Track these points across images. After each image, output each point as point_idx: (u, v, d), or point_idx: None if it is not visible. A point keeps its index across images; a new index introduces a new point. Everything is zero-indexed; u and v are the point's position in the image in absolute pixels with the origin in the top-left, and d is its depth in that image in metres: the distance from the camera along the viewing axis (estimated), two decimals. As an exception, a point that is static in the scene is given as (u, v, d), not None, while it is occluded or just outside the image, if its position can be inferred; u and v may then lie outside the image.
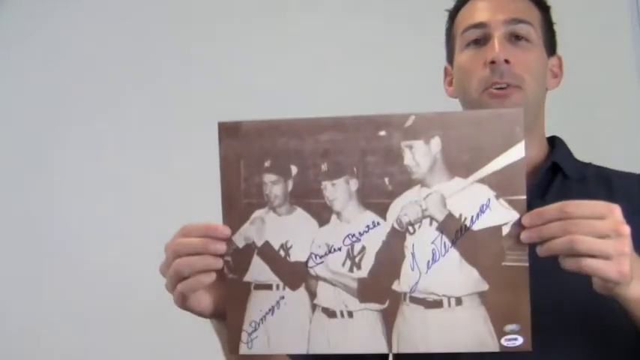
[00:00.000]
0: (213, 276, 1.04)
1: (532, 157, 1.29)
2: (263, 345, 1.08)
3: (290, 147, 1.05)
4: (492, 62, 1.27)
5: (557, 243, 0.98)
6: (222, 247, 1.05)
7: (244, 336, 1.08)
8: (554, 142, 1.39)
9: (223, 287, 1.08)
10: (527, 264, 1.03)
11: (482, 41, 1.33)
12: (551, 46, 1.40)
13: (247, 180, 1.06)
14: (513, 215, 1.03)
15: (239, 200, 1.07)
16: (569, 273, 1.00)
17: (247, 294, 1.08)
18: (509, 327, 1.04)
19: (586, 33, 2.13)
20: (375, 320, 1.06)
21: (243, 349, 1.08)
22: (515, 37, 1.32)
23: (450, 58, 1.43)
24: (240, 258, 1.07)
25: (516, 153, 1.02)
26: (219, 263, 1.05)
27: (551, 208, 1.00)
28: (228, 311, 1.08)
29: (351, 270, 1.06)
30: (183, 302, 1.06)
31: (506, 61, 1.27)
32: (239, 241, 1.07)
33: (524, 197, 1.03)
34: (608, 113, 2.16)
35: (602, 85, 2.18)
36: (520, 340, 1.04)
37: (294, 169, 1.05)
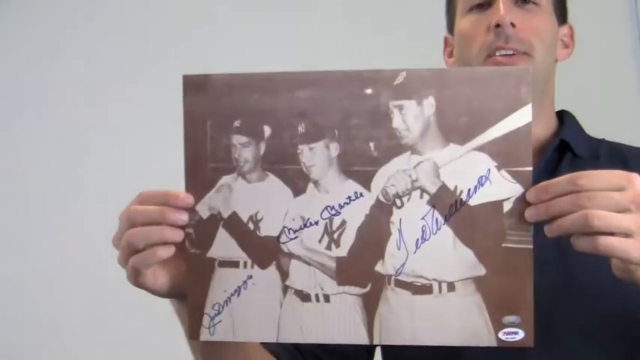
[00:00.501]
0: (171, 249, 0.92)
1: (539, 134, 1.15)
2: (227, 331, 0.95)
3: (263, 105, 0.92)
4: (497, 26, 1.14)
5: (568, 220, 0.85)
6: (183, 217, 0.92)
7: (206, 320, 0.95)
8: (562, 117, 1.25)
9: (183, 263, 0.95)
10: (531, 246, 0.89)
11: (485, 5, 1.19)
12: (561, 14, 1.25)
13: (214, 141, 0.94)
14: (517, 189, 0.89)
15: (204, 164, 0.94)
16: (581, 263, 0.87)
17: (211, 272, 0.95)
18: (508, 319, 0.90)
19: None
20: (355, 306, 0.93)
21: (205, 335, 0.95)
22: (522, 0, 1.18)
23: (451, 26, 1.29)
24: (203, 230, 0.94)
25: (522, 117, 0.89)
26: (179, 235, 0.92)
27: (561, 180, 0.86)
28: (188, 291, 0.95)
29: (328, 247, 0.92)
30: (136, 278, 0.93)
31: (513, 25, 1.14)
32: (203, 210, 0.94)
33: (530, 169, 0.89)
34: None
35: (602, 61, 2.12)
36: (520, 335, 0.90)
37: (267, 131, 0.92)
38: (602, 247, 0.84)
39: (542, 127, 1.18)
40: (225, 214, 0.94)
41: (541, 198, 0.87)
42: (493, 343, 0.90)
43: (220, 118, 0.93)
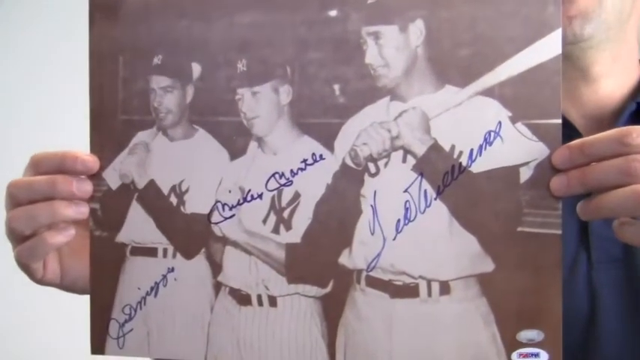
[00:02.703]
0: (68, 233, 0.68)
1: (610, 94, 0.83)
2: (140, 344, 0.70)
3: (192, 34, 0.68)
4: None
5: (612, 197, 0.58)
6: (84, 187, 0.68)
7: (113, 327, 0.70)
8: None
9: (86, 249, 0.70)
10: (559, 231, 0.62)
11: None
12: None
13: (127, 85, 0.69)
14: (540, 150, 0.62)
15: (114, 117, 0.70)
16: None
17: (120, 262, 0.70)
18: (525, 334, 0.63)
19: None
20: (311, 313, 0.67)
21: (112, 349, 0.70)
22: None
23: None
24: (112, 205, 0.70)
25: (549, 48, 0.62)
26: (79, 211, 0.68)
27: (605, 137, 0.59)
28: (91, 288, 0.71)
29: (276, 230, 0.67)
30: (29, 272, 0.70)
31: None
32: (111, 178, 0.70)
33: (559, 121, 0.62)
34: None
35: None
36: (543, 358, 0.63)
37: (196, 69, 0.68)
38: None
39: (616, 85, 0.84)
40: (141, 184, 0.69)
41: (575, 162, 0.61)
42: (504, 370, 0.63)
43: (135, 53, 0.69)
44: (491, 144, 0.63)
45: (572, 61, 0.78)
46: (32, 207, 0.67)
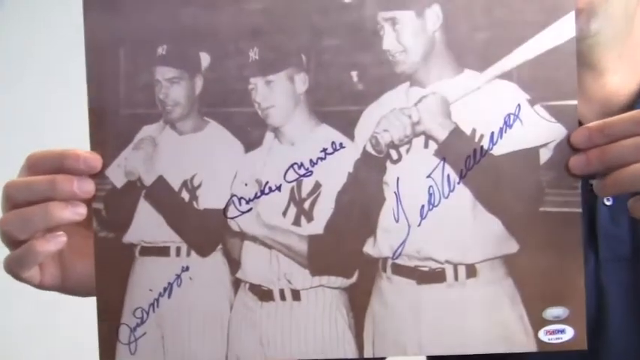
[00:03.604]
0: (59, 241, 0.64)
1: (619, 87, 0.82)
2: (154, 348, 0.67)
3: (199, 22, 0.65)
4: None
5: (630, 171, 0.59)
6: (86, 187, 0.64)
7: (124, 333, 0.67)
8: None
9: (90, 251, 0.66)
10: (579, 209, 0.64)
11: None
12: None
13: (130, 78, 0.66)
14: (558, 131, 0.64)
15: (116, 111, 0.66)
16: None
17: (129, 263, 0.67)
18: (551, 312, 0.65)
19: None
20: (336, 305, 0.66)
21: (123, 355, 0.67)
22: None
23: None
24: (117, 204, 0.66)
25: (563, 31, 0.64)
26: (78, 213, 0.64)
27: (623, 118, 0.61)
28: (98, 292, 0.67)
29: (297, 222, 0.65)
30: (17, 278, 0.65)
31: None
32: (116, 176, 0.66)
33: (576, 102, 0.64)
34: None
35: None
36: (569, 334, 0.64)
37: (204, 59, 0.65)
38: None
39: (622, 81, 0.83)
40: (148, 180, 0.66)
41: (594, 142, 0.62)
42: (532, 348, 0.65)
43: (138, 43, 0.66)
44: (511, 126, 0.64)
45: (579, 56, 0.75)
46: (26, 210, 0.63)
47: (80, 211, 0.64)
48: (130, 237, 0.66)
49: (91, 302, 0.67)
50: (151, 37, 0.65)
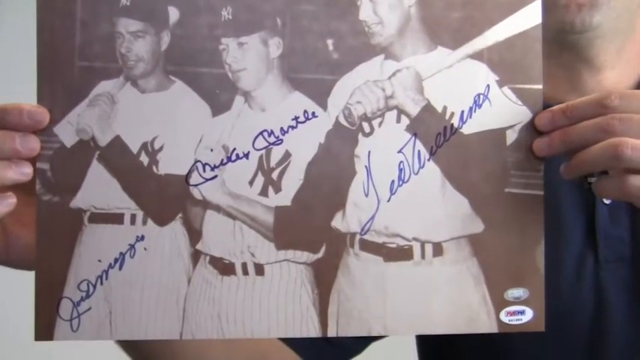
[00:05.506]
0: (8, 203, 0.57)
1: (618, 82, 0.82)
2: (100, 324, 0.61)
3: None
4: None
5: (592, 151, 0.60)
6: (30, 144, 0.58)
7: (66, 307, 0.60)
8: None
9: (33, 218, 0.60)
10: (541, 192, 0.65)
11: None
12: None
13: (87, 28, 0.60)
14: (523, 113, 0.65)
15: (69, 62, 0.60)
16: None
17: (76, 231, 0.61)
18: (512, 292, 0.65)
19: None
20: (301, 280, 0.63)
21: (63, 332, 0.60)
22: None
23: None
24: (65, 165, 0.60)
25: (530, 16, 0.65)
26: (22, 173, 0.57)
27: (585, 100, 0.63)
28: (37, 262, 0.60)
29: (264, 193, 0.62)
30: None
31: None
32: (65, 134, 0.60)
33: (540, 87, 0.65)
34: None
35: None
36: (528, 315, 0.65)
37: (173, 13, 0.61)
38: (634, 190, 0.60)
39: (620, 77, 0.82)
40: (104, 140, 0.61)
41: (557, 124, 0.63)
42: (494, 329, 0.65)
43: None
44: (480, 106, 0.65)
45: (578, 50, 0.77)
46: None
47: (25, 171, 0.58)
48: (78, 202, 0.60)
49: (32, 274, 0.60)
50: None
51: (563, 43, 0.75)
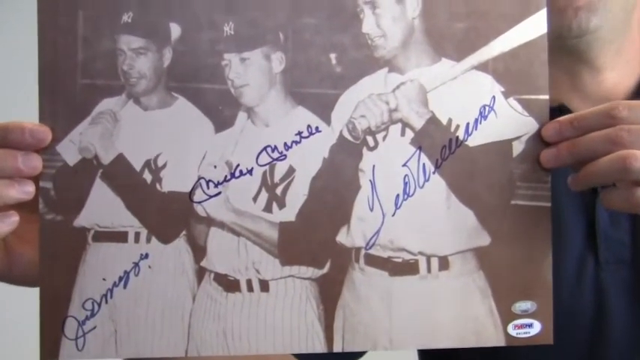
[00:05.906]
0: (10, 221, 0.57)
1: (615, 84, 0.82)
2: (105, 343, 0.61)
3: None
4: None
5: (600, 163, 0.60)
6: (32, 163, 0.58)
7: (71, 326, 0.60)
8: None
9: (36, 235, 0.60)
10: (549, 204, 0.64)
11: None
12: None
13: (89, 45, 0.60)
14: (530, 124, 0.64)
15: (71, 79, 0.60)
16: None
17: (80, 250, 0.61)
18: (520, 306, 0.64)
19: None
20: (307, 296, 0.62)
21: (68, 352, 0.60)
22: None
23: None
24: (68, 183, 0.60)
25: (535, 26, 0.64)
26: (24, 192, 0.57)
27: (594, 111, 0.62)
28: (42, 282, 0.60)
29: (268, 209, 0.62)
30: None
31: None
32: (68, 152, 0.60)
33: (547, 97, 0.65)
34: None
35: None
36: (536, 328, 0.64)
37: (175, 30, 0.61)
38: None
39: (619, 78, 0.82)
40: (107, 159, 0.60)
41: (564, 135, 0.63)
42: (501, 342, 0.64)
43: (99, 8, 0.60)
44: (486, 118, 0.64)
45: (577, 53, 0.77)
46: None
47: (28, 190, 0.57)
48: (82, 221, 0.60)
49: (36, 293, 0.60)
50: (115, 3, 0.60)
51: (563, 47, 0.75)
